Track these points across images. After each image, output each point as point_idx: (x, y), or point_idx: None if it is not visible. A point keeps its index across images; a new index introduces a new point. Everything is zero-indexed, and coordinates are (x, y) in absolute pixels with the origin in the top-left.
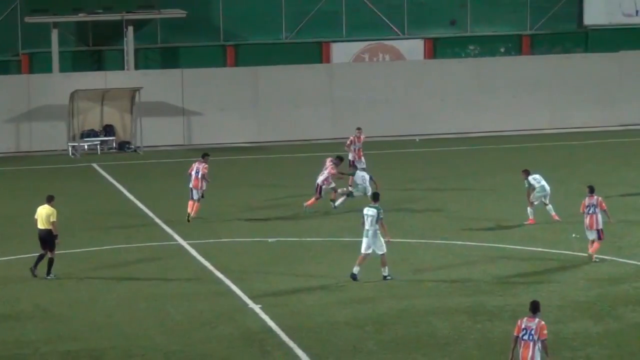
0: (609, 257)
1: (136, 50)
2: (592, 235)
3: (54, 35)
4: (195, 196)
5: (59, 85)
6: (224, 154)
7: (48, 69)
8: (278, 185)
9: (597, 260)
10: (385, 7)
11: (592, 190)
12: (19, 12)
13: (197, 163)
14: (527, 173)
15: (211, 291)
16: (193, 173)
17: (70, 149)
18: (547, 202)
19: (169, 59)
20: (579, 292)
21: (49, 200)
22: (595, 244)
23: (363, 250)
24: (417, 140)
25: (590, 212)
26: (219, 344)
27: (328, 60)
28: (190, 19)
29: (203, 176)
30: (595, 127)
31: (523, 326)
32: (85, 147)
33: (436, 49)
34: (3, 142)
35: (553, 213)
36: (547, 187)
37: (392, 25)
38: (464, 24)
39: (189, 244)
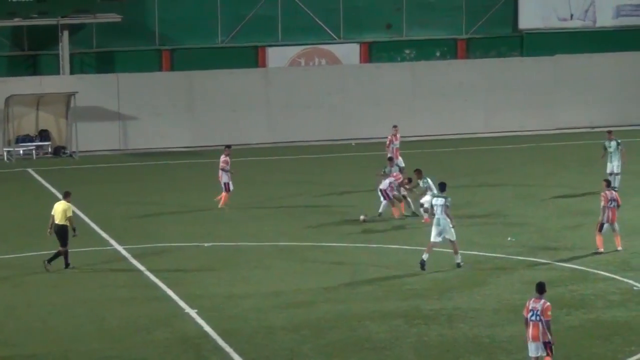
0: (544, 260)
1: (71, 55)
2: (613, 228)
3: None
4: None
5: None
6: (160, 158)
7: None
8: (214, 190)
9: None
10: (321, 11)
11: (609, 184)
12: None
13: (227, 157)
14: (419, 173)
15: (147, 296)
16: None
17: (5, 153)
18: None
19: (105, 63)
20: (515, 296)
21: (66, 196)
22: (617, 237)
23: (432, 239)
24: (354, 144)
25: (612, 205)
26: (155, 349)
27: (264, 65)
28: (126, 24)
29: (222, 168)
30: (530, 130)
31: (530, 307)
32: (21, 152)
33: (372, 53)
34: None
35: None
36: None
37: (327, 30)
38: (400, 28)
39: (124, 249)
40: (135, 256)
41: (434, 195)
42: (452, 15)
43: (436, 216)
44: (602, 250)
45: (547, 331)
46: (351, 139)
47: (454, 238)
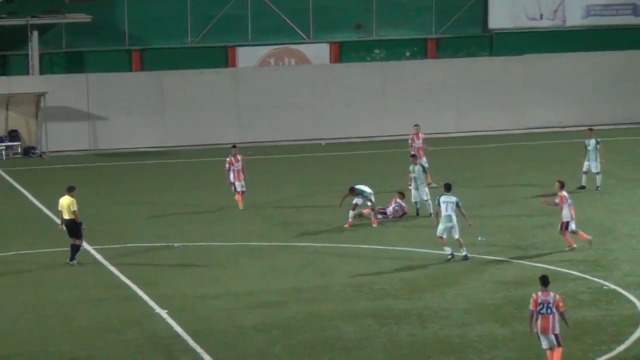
0: (514, 260)
1: (41, 55)
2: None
3: None
4: (239, 188)
5: None
6: (130, 158)
7: None
8: (184, 190)
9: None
10: (291, 11)
11: (562, 186)
12: None
13: (230, 157)
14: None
15: (117, 296)
16: (232, 167)
17: None
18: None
19: (74, 63)
20: (485, 295)
21: (70, 190)
22: (580, 232)
23: (439, 234)
24: (324, 144)
25: (570, 203)
26: (126, 350)
27: (234, 65)
28: (96, 24)
29: (227, 169)
30: (500, 130)
31: (539, 300)
32: None
33: (342, 53)
34: None
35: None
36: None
37: (297, 30)
38: (370, 28)
39: (94, 249)
40: (105, 257)
41: (446, 194)
42: (422, 15)
43: (446, 213)
44: (574, 245)
45: (562, 321)
46: (321, 139)
47: (457, 236)
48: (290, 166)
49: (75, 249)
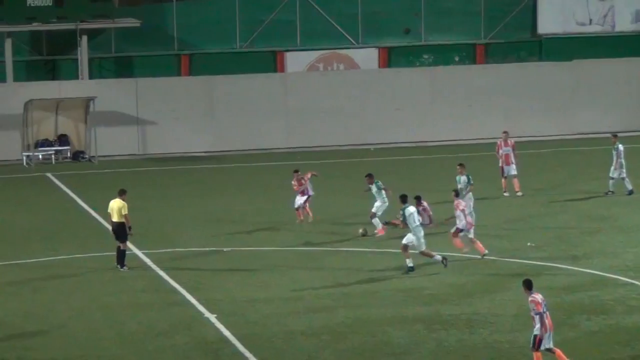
0: (564, 266)
1: (90, 60)
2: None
3: (8, 44)
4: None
5: (13, 94)
6: (179, 163)
7: (2, 79)
8: (232, 195)
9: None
10: (340, 16)
11: (457, 194)
12: None
13: (294, 181)
14: (371, 178)
15: (167, 301)
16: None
17: (24, 158)
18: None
19: (124, 68)
20: None
21: (121, 194)
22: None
23: (409, 243)
24: (372, 149)
25: (468, 212)
26: (174, 354)
27: (282, 70)
28: (145, 29)
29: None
30: (549, 135)
31: (541, 301)
32: (40, 156)
33: (390, 57)
34: None
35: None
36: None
37: (346, 35)
38: (418, 33)
39: (144, 253)
40: (154, 261)
41: (408, 206)
42: (471, 21)
43: (416, 224)
44: (466, 249)
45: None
46: (370, 144)
47: (424, 247)
48: (339, 171)
49: (122, 253)
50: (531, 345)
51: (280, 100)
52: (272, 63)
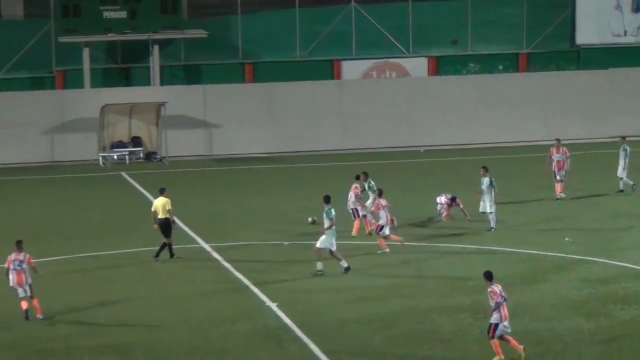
0: (599, 259)
1: (161, 68)
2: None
3: (86, 53)
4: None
5: (90, 99)
6: (242, 163)
7: (80, 85)
8: (291, 193)
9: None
10: (392, 27)
11: (381, 193)
12: (52, 33)
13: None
14: (366, 176)
15: (231, 290)
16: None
17: (100, 158)
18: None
19: (192, 75)
20: (572, 292)
21: (162, 192)
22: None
23: (323, 246)
24: (422, 151)
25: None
26: (238, 339)
27: (339, 77)
28: (211, 39)
29: (356, 196)
30: (586, 139)
31: (501, 292)
32: (115, 157)
33: (439, 66)
34: (39, 153)
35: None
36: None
37: (398, 45)
38: (465, 43)
39: (210, 246)
40: (220, 253)
41: (330, 209)
42: (514, 32)
43: (330, 226)
44: (387, 250)
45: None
46: (419, 146)
47: (334, 248)
48: (390, 171)
49: (165, 245)
50: (487, 333)
51: (336, 105)
52: (329, 71)
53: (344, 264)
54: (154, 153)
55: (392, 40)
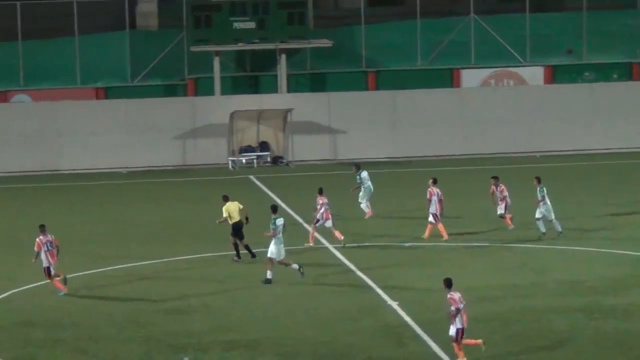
0: None
1: (288, 76)
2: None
3: (216, 62)
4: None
5: (220, 106)
6: (365, 167)
7: (210, 92)
8: (413, 196)
9: None
10: (510, 37)
11: (321, 192)
12: (185, 43)
13: (432, 187)
14: (358, 167)
15: (354, 289)
16: (434, 198)
17: (230, 162)
18: (365, 200)
19: (317, 83)
20: None
21: (226, 199)
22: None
23: (272, 255)
24: (538, 156)
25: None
26: (361, 336)
27: (458, 85)
28: (336, 48)
29: (440, 200)
30: None
31: (460, 299)
32: (243, 161)
33: (555, 75)
34: (172, 157)
35: (368, 210)
36: (372, 187)
37: (515, 54)
38: (580, 53)
39: (334, 247)
40: (344, 254)
41: (278, 217)
42: (628, 42)
43: (279, 236)
44: (312, 244)
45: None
46: (535, 152)
47: (283, 256)
48: (507, 175)
49: (237, 246)
50: (454, 339)
51: (456, 112)
52: (449, 79)
53: (296, 266)
54: (281, 157)
55: (510, 50)
